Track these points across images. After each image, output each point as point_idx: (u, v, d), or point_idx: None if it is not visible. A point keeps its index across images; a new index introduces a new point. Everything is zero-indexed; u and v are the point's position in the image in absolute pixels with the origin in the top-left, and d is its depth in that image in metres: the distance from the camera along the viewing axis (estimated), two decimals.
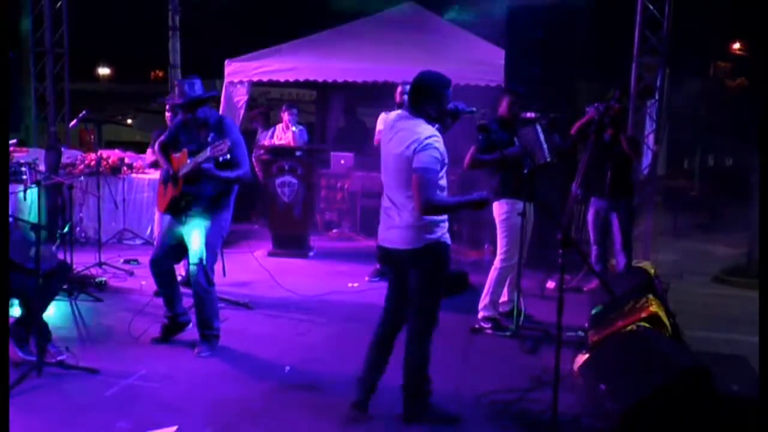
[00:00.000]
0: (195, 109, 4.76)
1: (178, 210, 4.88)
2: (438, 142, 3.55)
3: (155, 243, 5.08)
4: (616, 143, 6.50)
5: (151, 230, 6.34)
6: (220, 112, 9.97)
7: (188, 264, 4.92)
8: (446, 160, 3.60)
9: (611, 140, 6.52)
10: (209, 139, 4.70)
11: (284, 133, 8.79)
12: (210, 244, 4.85)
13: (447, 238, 3.72)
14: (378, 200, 6.97)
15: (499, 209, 5.50)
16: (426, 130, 3.57)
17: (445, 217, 3.70)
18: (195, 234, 4.83)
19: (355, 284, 6.91)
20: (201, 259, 4.81)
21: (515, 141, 5.44)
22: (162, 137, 5.13)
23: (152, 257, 5.01)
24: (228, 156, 4.54)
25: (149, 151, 6.11)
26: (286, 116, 8.83)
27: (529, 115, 5.84)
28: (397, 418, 3.80)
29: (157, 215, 6.20)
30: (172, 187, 4.86)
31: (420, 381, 3.79)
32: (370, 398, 3.82)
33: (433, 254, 3.65)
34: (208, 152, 4.53)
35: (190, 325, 5.19)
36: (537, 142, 5.45)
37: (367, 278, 7.05)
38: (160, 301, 5.17)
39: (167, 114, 6.19)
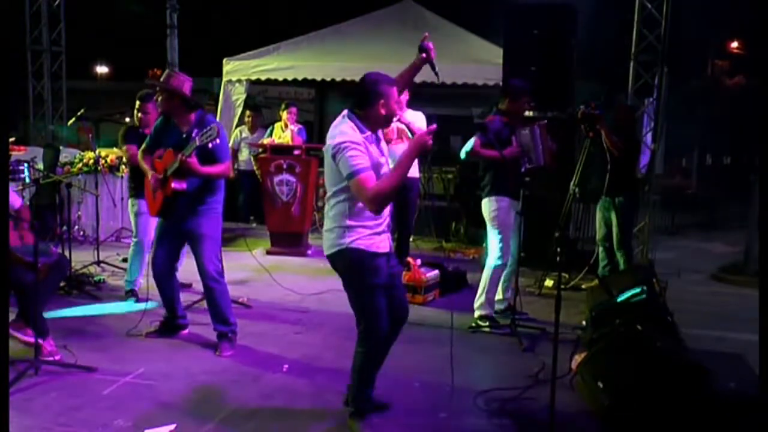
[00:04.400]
0: (175, 100, 4.76)
1: (171, 209, 4.87)
2: None
3: (153, 247, 5.07)
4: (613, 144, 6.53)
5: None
6: (218, 110, 10.00)
7: (197, 262, 4.90)
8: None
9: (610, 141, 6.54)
10: (193, 134, 4.68)
11: (283, 132, 8.79)
12: (210, 235, 4.86)
13: (360, 243, 3.46)
14: None
15: (488, 207, 5.51)
16: None
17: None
18: (193, 228, 4.83)
19: None
20: (205, 252, 4.82)
21: (513, 140, 5.45)
22: (144, 145, 5.10)
23: (152, 261, 5.02)
24: (218, 141, 4.53)
25: (132, 148, 5.80)
26: (285, 115, 8.84)
27: (527, 113, 5.86)
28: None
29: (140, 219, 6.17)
30: (161, 188, 4.85)
31: (354, 386, 3.71)
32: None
33: (343, 260, 3.53)
34: (197, 141, 4.52)
35: (187, 330, 5.21)
36: (533, 144, 5.45)
37: None
38: (152, 297, 5.19)
39: (138, 114, 6.10)
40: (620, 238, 6.64)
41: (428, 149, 3.34)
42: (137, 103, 6.06)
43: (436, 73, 3.77)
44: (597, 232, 6.98)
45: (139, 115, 6.03)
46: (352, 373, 3.69)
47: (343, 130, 3.40)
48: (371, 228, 3.47)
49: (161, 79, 4.87)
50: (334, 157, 3.36)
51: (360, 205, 3.42)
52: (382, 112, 3.45)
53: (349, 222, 3.45)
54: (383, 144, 3.62)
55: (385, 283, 3.55)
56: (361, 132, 3.41)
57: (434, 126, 3.37)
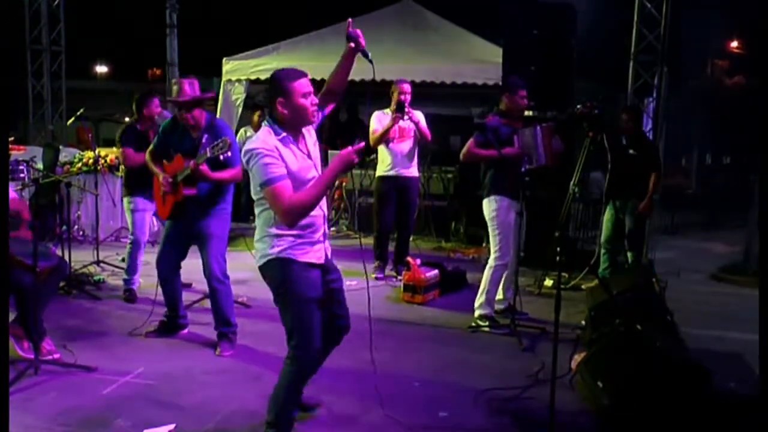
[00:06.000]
0: (192, 109, 4.74)
1: (181, 214, 4.88)
2: None
3: (159, 246, 5.07)
4: (617, 145, 6.54)
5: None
6: (218, 110, 9.99)
7: (203, 262, 4.90)
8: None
9: (611, 142, 6.54)
10: (203, 140, 4.69)
11: None
12: (218, 235, 4.88)
13: (290, 253, 3.24)
14: (370, 197, 6.89)
15: (488, 207, 5.50)
16: None
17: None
18: (202, 229, 4.84)
19: (353, 282, 6.90)
20: (212, 252, 4.84)
21: (514, 140, 5.44)
22: (151, 145, 5.10)
23: (157, 259, 5.03)
24: (229, 153, 4.52)
25: (128, 151, 5.79)
26: None
27: (527, 113, 5.84)
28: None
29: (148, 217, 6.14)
30: (172, 193, 4.85)
31: (279, 404, 3.37)
32: None
33: (272, 272, 3.29)
34: (208, 152, 4.51)
35: (187, 330, 5.21)
36: (534, 145, 5.44)
37: (374, 276, 7.08)
38: (159, 298, 5.19)
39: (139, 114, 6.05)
40: (633, 239, 6.65)
41: (353, 166, 3.16)
42: (148, 99, 5.97)
43: (370, 60, 3.44)
44: (602, 234, 6.96)
45: (155, 111, 5.94)
46: (276, 391, 3.38)
47: (257, 136, 3.20)
48: (303, 237, 3.26)
49: (185, 93, 4.74)
50: (247, 164, 3.16)
51: None
52: (284, 111, 3.17)
53: (276, 230, 3.23)
54: (309, 139, 3.35)
55: (320, 297, 3.33)
56: (276, 134, 3.17)
57: (362, 144, 3.16)
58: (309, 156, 3.30)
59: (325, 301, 3.41)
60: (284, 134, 3.19)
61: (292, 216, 3.12)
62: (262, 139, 3.15)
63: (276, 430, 3.36)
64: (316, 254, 3.32)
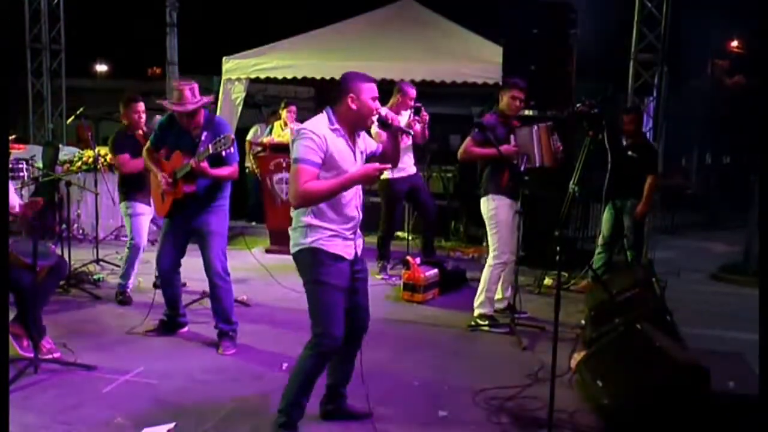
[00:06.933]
0: (196, 116, 4.74)
1: (179, 211, 4.88)
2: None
3: (159, 245, 5.06)
4: (617, 145, 6.54)
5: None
6: (218, 109, 9.99)
7: (204, 259, 4.90)
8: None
9: (611, 142, 6.54)
10: (203, 137, 4.69)
11: (282, 131, 8.79)
12: (218, 232, 4.88)
13: (321, 243, 3.39)
14: (375, 196, 6.92)
15: (486, 206, 5.50)
16: None
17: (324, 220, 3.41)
18: (201, 226, 4.85)
19: None
20: (213, 249, 4.83)
21: (511, 139, 5.43)
22: (148, 143, 5.06)
23: (158, 258, 5.02)
24: (231, 149, 4.54)
25: (125, 157, 5.73)
26: (284, 114, 8.85)
27: (527, 112, 5.83)
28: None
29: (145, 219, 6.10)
30: (171, 191, 4.84)
31: (292, 392, 3.45)
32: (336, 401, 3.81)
33: (303, 260, 3.46)
34: (210, 149, 4.52)
35: (186, 328, 5.22)
36: (531, 145, 5.42)
37: (381, 276, 7.08)
38: (159, 297, 5.19)
39: (134, 116, 5.95)
40: (633, 239, 6.65)
41: (373, 182, 3.40)
42: (131, 104, 5.85)
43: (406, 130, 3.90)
44: (601, 233, 6.95)
45: (134, 116, 5.84)
46: (291, 377, 3.47)
47: (313, 120, 3.39)
48: (335, 231, 3.40)
49: (187, 100, 4.68)
50: (293, 142, 3.34)
51: (323, 204, 3.37)
52: (353, 106, 3.35)
53: (311, 220, 3.40)
54: (360, 141, 3.51)
55: (347, 287, 3.45)
56: (330, 123, 3.35)
57: (389, 165, 3.47)
58: (354, 155, 3.43)
59: (350, 293, 3.50)
60: (337, 126, 3.36)
61: (301, 199, 3.31)
62: (315, 123, 3.35)
63: (286, 417, 3.43)
64: (346, 249, 3.44)
